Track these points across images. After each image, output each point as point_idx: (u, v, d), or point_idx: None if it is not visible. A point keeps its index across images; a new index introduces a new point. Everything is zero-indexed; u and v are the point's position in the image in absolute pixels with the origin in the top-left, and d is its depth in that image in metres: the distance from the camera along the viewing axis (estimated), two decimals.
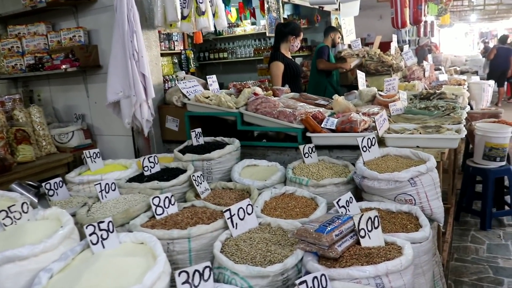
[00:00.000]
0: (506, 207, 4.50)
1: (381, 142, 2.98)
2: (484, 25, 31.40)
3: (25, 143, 3.77)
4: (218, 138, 3.31)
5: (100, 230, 1.96)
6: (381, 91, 4.35)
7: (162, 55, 6.35)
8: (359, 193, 2.69)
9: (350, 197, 2.34)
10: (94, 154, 3.13)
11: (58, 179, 2.79)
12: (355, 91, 4.31)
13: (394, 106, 3.47)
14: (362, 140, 2.68)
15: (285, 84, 4.90)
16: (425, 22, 14.18)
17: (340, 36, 7.04)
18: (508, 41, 12.83)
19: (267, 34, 6.43)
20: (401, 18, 6.45)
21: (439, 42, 19.09)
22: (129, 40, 3.24)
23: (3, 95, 4.19)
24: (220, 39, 9.77)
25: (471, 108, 5.80)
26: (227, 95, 3.70)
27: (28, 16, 4.43)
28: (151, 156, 2.93)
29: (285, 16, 8.83)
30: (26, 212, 2.16)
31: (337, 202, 2.28)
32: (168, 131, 3.93)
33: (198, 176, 2.68)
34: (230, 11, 7.52)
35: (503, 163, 4.12)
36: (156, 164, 2.94)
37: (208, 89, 3.89)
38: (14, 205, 2.13)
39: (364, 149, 2.69)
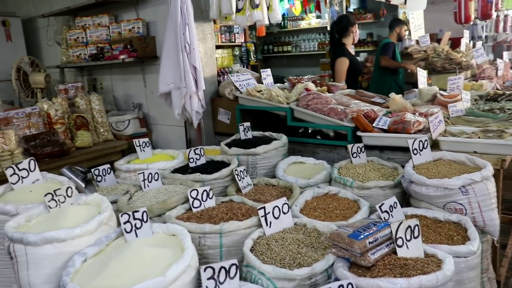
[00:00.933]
0: None
1: (436, 145, 2.81)
2: None
3: (83, 129, 3.93)
4: (267, 133, 3.27)
5: (135, 219, 1.98)
6: (445, 90, 4.12)
7: (222, 47, 6.42)
8: (408, 198, 2.56)
9: (395, 202, 2.22)
10: (144, 143, 3.19)
11: (106, 166, 2.88)
12: (415, 89, 4.10)
13: (454, 107, 3.26)
14: (413, 142, 2.54)
15: (349, 81, 4.81)
16: (506, 16, 13.29)
17: (407, 30, 6.67)
18: None
19: (329, 28, 6.28)
20: (464, 13, 5.91)
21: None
22: (182, 33, 3.26)
23: (67, 83, 4.38)
24: (285, 32, 9.70)
25: None
26: (279, 89, 3.65)
27: (94, 8, 4.61)
28: (197, 148, 2.94)
29: (351, 10, 8.61)
30: (70, 196, 2.23)
31: (380, 207, 2.17)
32: (220, 124, 3.95)
33: (241, 171, 2.66)
34: (293, 4, 7.42)
35: None
36: (202, 156, 2.95)
37: (262, 83, 3.86)
38: (60, 188, 2.22)
39: (415, 151, 2.54)
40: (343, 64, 4.82)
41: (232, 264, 1.66)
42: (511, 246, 3.43)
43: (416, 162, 2.53)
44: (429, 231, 2.10)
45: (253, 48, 6.44)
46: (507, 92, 3.95)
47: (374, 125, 2.98)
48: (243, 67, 6.49)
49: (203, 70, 3.84)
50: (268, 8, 3.62)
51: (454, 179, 2.21)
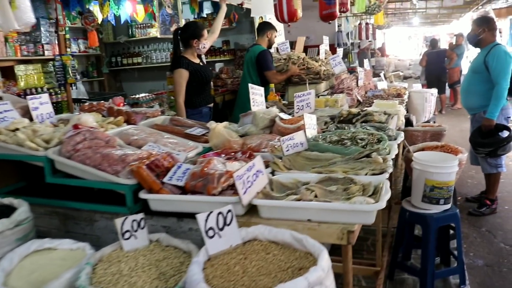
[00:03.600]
0: (452, 259, 3.49)
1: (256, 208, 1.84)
2: (427, 29, 31.49)
3: None
4: (6, 200, 2.05)
5: None
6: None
7: (27, 62, 5.02)
8: None
9: None
10: None
11: None
12: (252, 111, 3.17)
13: (290, 141, 2.30)
14: (207, 218, 1.52)
15: (195, 93, 4.27)
16: (367, 24, 13.43)
17: (276, 35, 5.77)
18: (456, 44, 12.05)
19: (158, 36, 5.16)
20: (287, 8, 4.62)
21: (383, 45, 18.56)
22: None
23: None
24: (133, 42, 8.42)
25: (411, 125, 4.79)
26: (48, 126, 2.47)
27: None
28: None
29: (204, 15, 7.68)
30: None
31: None
32: None
33: None
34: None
35: (448, 206, 3.05)
36: None
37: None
38: None
39: (211, 233, 1.52)
40: (180, 76, 4.20)
41: None
42: None
43: (212, 250, 1.51)
44: None
45: (72, 63, 5.09)
46: (363, 110, 3.17)
47: (166, 180, 1.92)
48: (62, 87, 5.15)
49: None
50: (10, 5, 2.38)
51: None
